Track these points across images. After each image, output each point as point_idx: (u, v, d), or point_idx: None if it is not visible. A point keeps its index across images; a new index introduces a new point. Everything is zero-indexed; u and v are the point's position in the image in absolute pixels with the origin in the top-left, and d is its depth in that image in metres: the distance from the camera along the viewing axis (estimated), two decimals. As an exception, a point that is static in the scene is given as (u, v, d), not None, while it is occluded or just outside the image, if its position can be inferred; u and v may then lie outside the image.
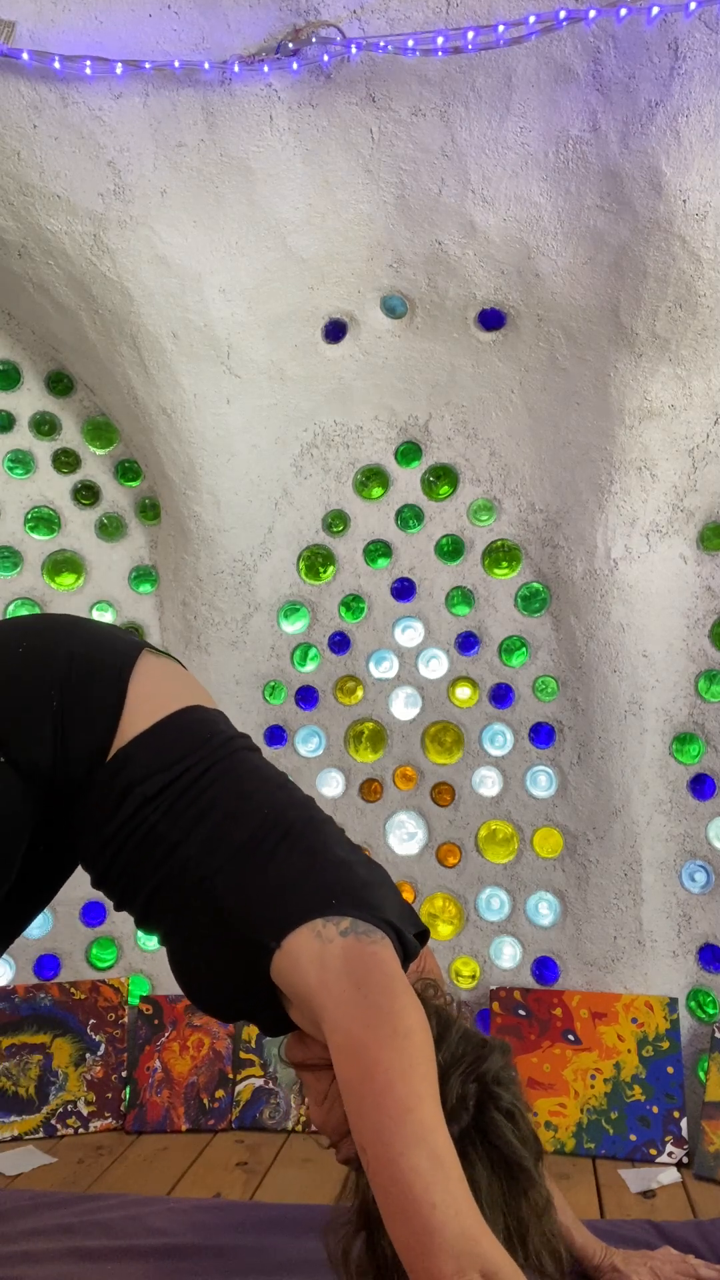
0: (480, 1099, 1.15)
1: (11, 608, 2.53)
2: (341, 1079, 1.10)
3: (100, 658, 1.37)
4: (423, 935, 1.33)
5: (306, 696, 2.63)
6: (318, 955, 1.16)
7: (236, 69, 2.02)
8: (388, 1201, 1.02)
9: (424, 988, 1.25)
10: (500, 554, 2.54)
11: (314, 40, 2.01)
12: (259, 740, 2.63)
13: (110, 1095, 2.38)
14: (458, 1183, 1.02)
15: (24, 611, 2.54)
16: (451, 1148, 1.05)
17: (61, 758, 1.30)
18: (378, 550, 2.61)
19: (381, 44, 2.00)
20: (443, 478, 2.57)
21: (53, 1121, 2.34)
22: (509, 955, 2.49)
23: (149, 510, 2.61)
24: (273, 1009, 1.26)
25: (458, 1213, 0.99)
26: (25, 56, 1.96)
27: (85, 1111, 2.35)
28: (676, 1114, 2.20)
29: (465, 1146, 1.10)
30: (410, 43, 1.99)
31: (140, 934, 2.55)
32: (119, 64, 1.99)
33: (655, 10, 1.91)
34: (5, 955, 2.47)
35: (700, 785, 2.40)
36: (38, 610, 2.55)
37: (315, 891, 1.22)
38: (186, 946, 1.31)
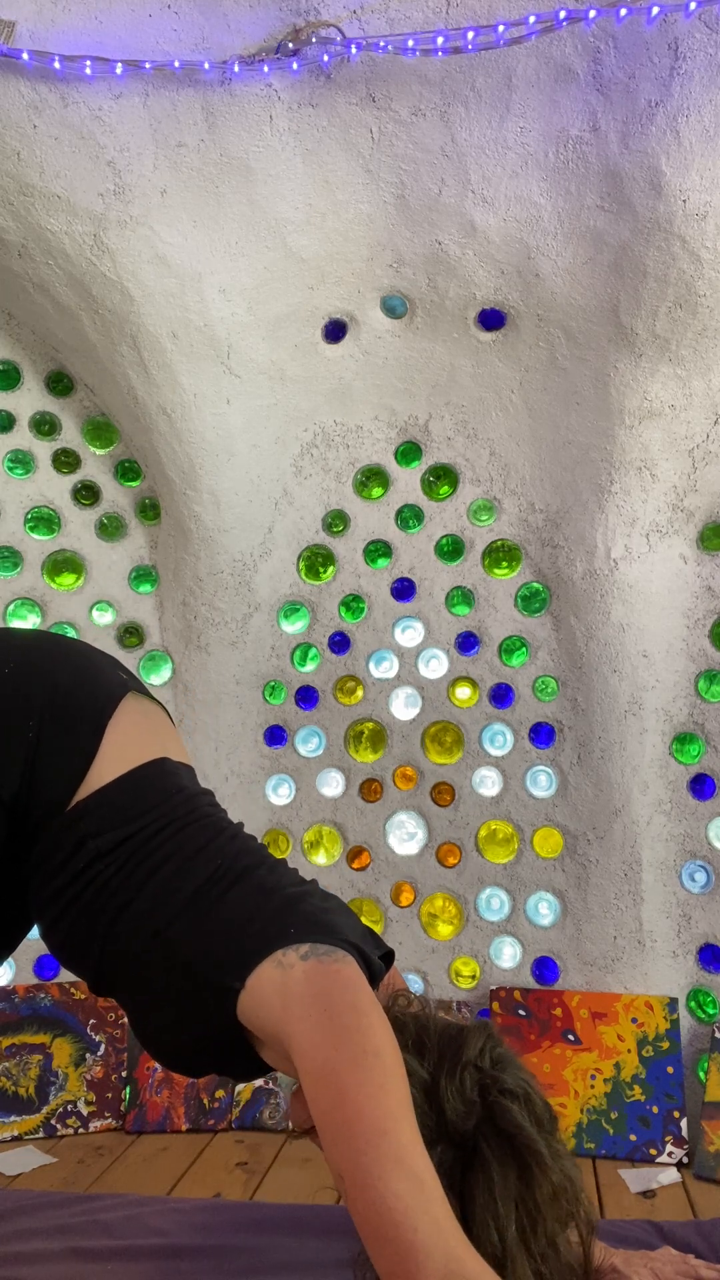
0: (483, 1087, 1.11)
1: (11, 608, 2.53)
2: (313, 1106, 1.08)
3: (84, 696, 1.34)
4: (388, 957, 1.31)
5: (306, 696, 2.63)
6: (280, 984, 1.14)
7: (236, 69, 2.02)
8: (368, 1228, 1.00)
9: (393, 1000, 1.22)
10: (500, 554, 2.54)
11: (314, 40, 2.00)
12: (258, 740, 2.63)
13: (110, 1095, 2.38)
14: (439, 1204, 0.99)
15: (24, 611, 2.54)
16: (430, 1167, 1.02)
17: (27, 789, 1.27)
18: (378, 550, 2.61)
19: (381, 44, 2.00)
20: (443, 478, 2.57)
21: (53, 1121, 2.34)
22: (509, 955, 2.49)
23: (149, 510, 2.61)
24: (245, 1053, 1.24)
25: (441, 1234, 0.97)
26: (25, 56, 1.96)
27: (85, 1111, 2.35)
28: (676, 1114, 2.20)
29: (479, 1142, 1.07)
30: (410, 43, 1.99)
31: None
32: (119, 64, 1.99)
33: (655, 10, 1.91)
34: (5, 955, 2.48)
35: (700, 785, 2.40)
36: (37, 611, 2.55)
37: (271, 924, 1.20)
38: (149, 1004, 1.28)
